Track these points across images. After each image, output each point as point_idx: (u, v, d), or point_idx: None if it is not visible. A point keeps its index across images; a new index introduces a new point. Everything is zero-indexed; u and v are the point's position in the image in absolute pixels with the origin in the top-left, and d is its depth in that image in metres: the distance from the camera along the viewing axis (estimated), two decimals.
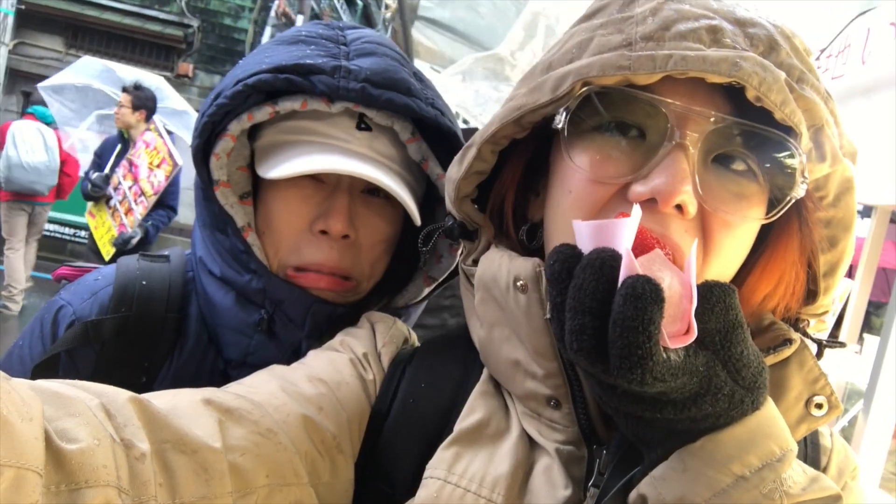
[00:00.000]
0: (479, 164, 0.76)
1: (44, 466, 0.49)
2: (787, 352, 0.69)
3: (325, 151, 0.95)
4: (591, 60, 0.65)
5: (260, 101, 0.95)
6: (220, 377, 1.02)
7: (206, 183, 0.98)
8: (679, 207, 0.63)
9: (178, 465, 0.61)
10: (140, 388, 0.94)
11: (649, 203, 0.63)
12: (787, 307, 0.74)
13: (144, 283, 1.03)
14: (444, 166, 0.99)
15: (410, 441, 0.77)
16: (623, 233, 0.56)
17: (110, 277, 1.03)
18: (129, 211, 5.01)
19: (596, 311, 0.53)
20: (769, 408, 0.60)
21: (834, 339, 0.76)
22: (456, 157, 0.80)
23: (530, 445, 0.73)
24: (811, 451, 0.77)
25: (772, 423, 0.59)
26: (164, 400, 0.66)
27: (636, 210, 0.57)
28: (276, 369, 0.80)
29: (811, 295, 0.75)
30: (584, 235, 0.60)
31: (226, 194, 0.99)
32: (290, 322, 0.98)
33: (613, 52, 0.65)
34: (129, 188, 5.00)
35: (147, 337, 1.00)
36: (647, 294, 0.51)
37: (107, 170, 5.27)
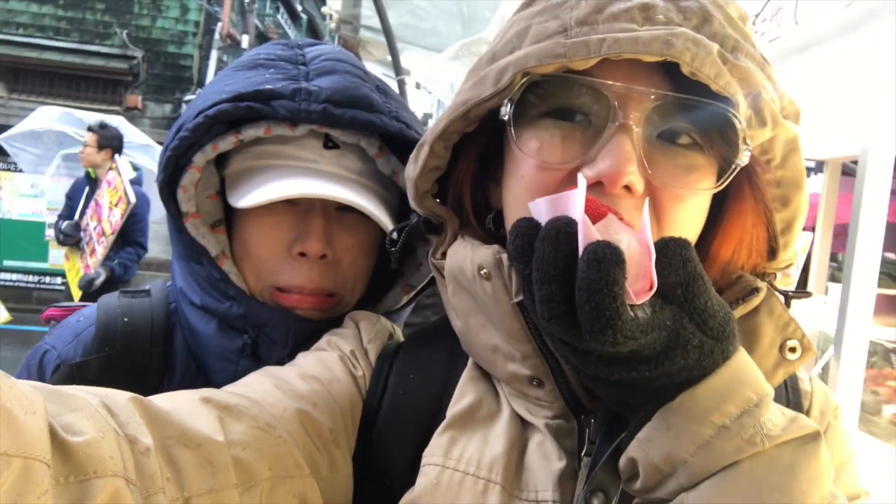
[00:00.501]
0: (434, 161, 0.78)
1: (51, 458, 0.49)
2: (755, 300, 0.71)
3: (295, 175, 0.95)
4: (529, 51, 0.67)
5: (223, 131, 0.95)
6: None
7: (174, 216, 0.97)
8: (627, 188, 0.65)
9: (184, 459, 0.61)
10: None
11: (598, 185, 0.65)
12: (752, 265, 0.76)
13: (126, 319, 1.03)
14: None
15: (404, 432, 0.78)
16: (574, 202, 0.58)
17: (91, 318, 1.03)
18: (93, 251, 4.95)
19: (560, 278, 0.55)
20: (741, 356, 0.61)
21: (800, 290, 0.78)
22: (411, 156, 0.80)
23: (522, 424, 0.74)
24: (793, 397, 0.79)
25: (745, 370, 0.61)
26: (163, 400, 0.67)
27: (581, 179, 0.59)
28: (268, 370, 0.81)
29: (772, 252, 0.77)
30: (541, 211, 0.61)
31: (196, 225, 0.98)
32: (273, 344, 0.98)
33: (550, 41, 0.66)
34: (94, 228, 4.94)
35: (133, 373, 1.00)
36: (608, 257, 0.53)
37: (77, 215, 5.22)
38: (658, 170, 0.66)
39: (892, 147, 1.93)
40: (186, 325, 1.02)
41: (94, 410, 0.57)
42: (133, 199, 4.59)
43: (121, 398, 0.62)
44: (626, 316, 0.53)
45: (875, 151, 1.93)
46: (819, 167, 3.96)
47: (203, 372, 1.02)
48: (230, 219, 1.03)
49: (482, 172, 0.81)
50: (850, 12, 1.80)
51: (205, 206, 1.00)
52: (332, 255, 0.97)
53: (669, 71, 0.65)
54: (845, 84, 1.95)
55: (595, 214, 0.59)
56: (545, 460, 0.70)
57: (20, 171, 8.92)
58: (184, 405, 0.67)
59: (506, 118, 0.69)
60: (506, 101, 0.69)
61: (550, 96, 0.69)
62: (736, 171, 0.68)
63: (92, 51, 11.81)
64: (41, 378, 1.00)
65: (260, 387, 0.75)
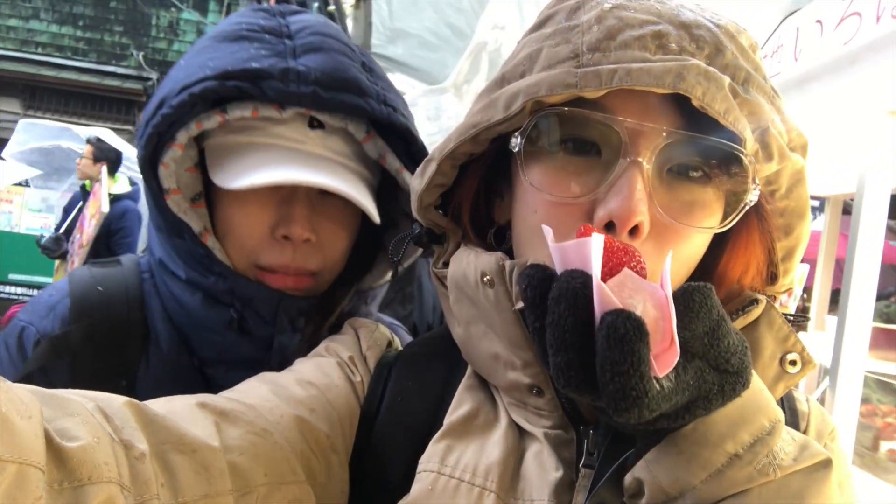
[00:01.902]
0: (440, 178, 0.78)
1: (46, 464, 0.49)
2: (755, 312, 0.71)
3: (281, 157, 0.94)
4: (540, 78, 0.66)
5: (207, 108, 0.93)
6: (198, 375, 1.02)
7: (155, 192, 0.96)
8: (635, 228, 0.64)
9: (179, 465, 0.61)
10: (122, 392, 0.94)
11: (608, 226, 0.65)
12: (752, 285, 0.76)
13: (101, 288, 1.02)
14: (402, 160, 1.01)
15: (401, 439, 0.78)
16: (590, 257, 0.54)
17: (64, 290, 1.02)
18: (72, 263, 4.77)
19: (578, 345, 0.53)
20: (755, 381, 0.60)
21: (800, 314, 0.78)
22: (417, 170, 0.81)
23: (519, 433, 0.74)
24: (790, 418, 0.78)
25: (759, 395, 0.60)
26: (158, 405, 0.66)
27: (597, 238, 0.55)
28: (265, 376, 0.81)
29: (773, 276, 0.77)
30: (554, 257, 0.59)
31: (177, 202, 0.97)
32: (259, 319, 0.98)
33: (561, 67, 0.66)
34: (77, 240, 4.77)
35: (115, 341, 0.99)
36: (629, 333, 0.50)
37: (62, 229, 5.20)
38: (666, 206, 0.66)
39: (890, 182, 1.96)
40: (170, 297, 1.02)
41: (90, 415, 0.57)
42: (105, 209, 4.29)
43: (116, 403, 0.62)
44: (652, 392, 0.51)
45: (872, 186, 1.95)
46: (822, 206, 3.98)
47: (186, 342, 1.02)
48: (209, 192, 1.01)
49: (486, 190, 0.82)
50: (848, 48, 1.84)
51: (183, 179, 0.99)
52: (315, 239, 0.97)
53: (680, 100, 0.64)
54: (844, 120, 1.98)
55: (609, 262, 0.57)
56: (542, 470, 0.69)
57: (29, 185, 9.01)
58: (180, 410, 0.67)
59: (516, 150, 0.69)
60: (516, 133, 0.69)
61: (561, 129, 0.69)
62: (745, 209, 0.68)
63: (108, 71, 12.02)
64: (22, 355, 0.99)
65: (257, 392, 0.76)
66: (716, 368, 0.57)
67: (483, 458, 0.71)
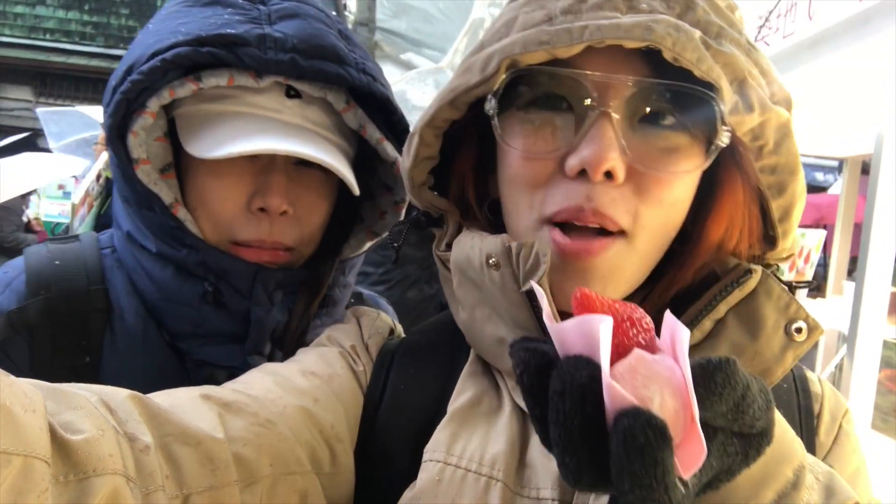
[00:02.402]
0: (425, 150, 0.78)
1: (51, 456, 0.49)
2: (751, 283, 0.71)
3: (257, 127, 0.91)
4: (515, 38, 0.68)
5: (179, 75, 0.89)
6: (168, 349, 0.99)
7: (124, 162, 0.91)
8: (609, 174, 0.65)
9: (183, 457, 0.61)
10: (86, 368, 0.95)
11: (582, 174, 0.66)
12: (751, 254, 0.75)
13: (58, 262, 0.99)
14: (382, 130, 0.99)
15: (405, 426, 0.77)
16: (597, 343, 0.47)
17: (20, 267, 0.99)
18: None
19: (588, 446, 0.46)
20: (778, 423, 0.55)
21: (801, 281, 0.78)
22: (404, 147, 0.81)
23: (524, 420, 0.73)
24: (803, 399, 0.77)
25: (783, 443, 0.57)
26: (161, 398, 0.66)
27: (605, 323, 0.48)
28: (267, 367, 0.81)
29: (773, 241, 0.76)
30: (553, 338, 0.52)
31: (147, 172, 0.92)
32: (236, 292, 0.96)
33: (535, 29, 0.67)
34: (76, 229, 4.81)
35: (75, 315, 0.96)
36: (651, 442, 0.43)
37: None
38: (639, 154, 0.67)
39: None
40: (139, 270, 0.98)
41: (93, 408, 0.57)
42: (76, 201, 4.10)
43: (119, 396, 0.62)
44: (676, 498, 0.45)
45: (890, 147, 1.90)
46: (840, 166, 3.90)
47: (155, 315, 0.99)
48: (179, 162, 0.97)
49: (482, 165, 0.81)
50: (864, 6, 1.78)
51: (152, 148, 0.94)
52: (292, 211, 0.95)
53: (654, 59, 0.65)
54: (860, 79, 1.93)
55: (616, 337, 0.51)
56: (546, 458, 0.69)
57: None
58: (183, 402, 0.67)
59: (490, 112, 0.71)
60: (490, 97, 0.70)
61: (533, 89, 0.70)
62: (716, 151, 0.68)
63: (117, 55, 11.95)
64: None
65: (260, 384, 0.75)
66: (739, 435, 0.52)
67: (489, 447, 0.70)
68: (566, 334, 0.50)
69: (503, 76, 0.69)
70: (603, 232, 0.68)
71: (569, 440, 0.46)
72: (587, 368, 0.47)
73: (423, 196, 0.82)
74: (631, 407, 0.44)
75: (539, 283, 0.65)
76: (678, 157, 0.68)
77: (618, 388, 0.45)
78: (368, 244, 1.09)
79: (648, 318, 0.52)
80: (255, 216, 0.94)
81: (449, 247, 0.79)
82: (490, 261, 0.70)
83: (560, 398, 0.47)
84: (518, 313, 0.70)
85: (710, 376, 0.49)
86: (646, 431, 0.43)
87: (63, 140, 7.81)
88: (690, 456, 0.46)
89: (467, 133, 0.79)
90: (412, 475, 0.72)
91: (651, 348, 0.51)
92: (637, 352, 0.50)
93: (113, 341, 0.97)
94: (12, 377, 0.50)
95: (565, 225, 0.69)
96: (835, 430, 0.76)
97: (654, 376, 0.48)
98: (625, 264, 0.70)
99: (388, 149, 0.99)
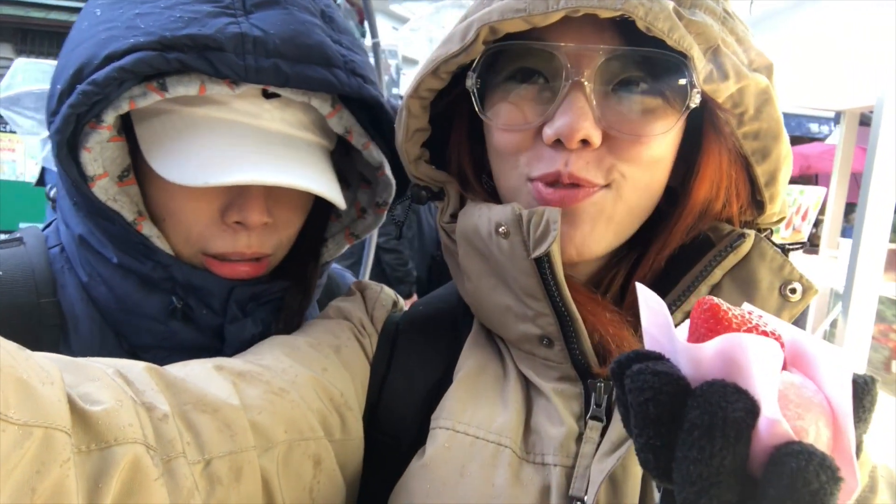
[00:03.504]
0: (414, 122, 0.79)
1: (71, 427, 0.50)
2: (744, 247, 0.72)
3: (236, 140, 0.80)
4: (493, 7, 0.69)
5: (138, 80, 0.75)
6: (133, 359, 0.86)
7: (76, 180, 0.79)
8: (585, 141, 0.67)
9: (202, 424, 0.62)
10: None
11: (557, 143, 0.68)
12: (742, 217, 0.77)
13: (1, 273, 0.86)
14: (369, 133, 0.90)
15: (411, 395, 0.79)
16: (751, 370, 0.41)
17: None
18: None
19: (735, 488, 0.41)
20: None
21: (794, 242, 0.79)
22: (396, 123, 0.82)
23: (528, 387, 0.75)
24: None
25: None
26: (176, 369, 0.67)
27: (773, 349, 0.42)
28: (276, 339, 0.81)
29: (762, 206, 0.78)
30: (683, 357, 0.46)
31: (105, 188, 0.80)
32: (208, 309, 0.86)
33: None
34: None
35: (24, 330, 0.84)
36: (825, 486, 0.38)
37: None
38: (613, 120, 0.69)
39: None
40: (94, 276, 0.86)
41: (111, 380, 0.57)
42: None
43: (136, 367, 0.62)
44: None
45: (891, 100, 1.86)
46: (838, 118, 3.85)
47: (114, 327, 0.88)
48: (137, 162, 0.84)
49: (476, 136, 0.82)
50: None
51: (107, 153, 0.81)
52: (271, 221, 0.85)
53: (628, 29, 0.66)
54: (860, 30, 1.88)
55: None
56: (551, 424, 0.71)
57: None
58: (198, 373, 0.67)
59: (470, 87, 0.73)
60: (469, 73, 0.72)
61: (509, 62, 0.73)
62: (686, 112, 0.69)
63: None
64: None
65: (270, 354, 0.76)
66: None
67: (496, 415, 0.72)
68: (703, 355, 0.43)
69: (481, 46, 0.70)
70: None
71: (713, 482, 0.40)
72: (742, 401, 0.40)
73: (421, 169, 0.83)
74: (795, 444, 0.39)
75: (549, 250, 0.67)
76: (651, 120, 0.70)
77: (784, 426, 0.39)
78: (347, 245, 1.01)
79: (777, 327, 0.46)
80: (231, 228, 0.84)
81: (453, 218, 0.80)
82: (500, 229, 0.71)
83: (706, 435, 0.40)
84: (526, 281, 0.71)
85: (860, 401, 0.44)
86: (819, 475, 0.38)
87: (8, 92, 7.29)
88: (845, 493, 0.40)
89: (458, 105, 0.81)
90: (419, 442, 0.74)
91: (784, 364, 0.45)
92: (786, 375, 0.43)
93: (70, 355, 0.86)
94: (28, 350, 0.51)
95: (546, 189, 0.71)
96: None
97: (807, 404, 0.42)
98: (611, 210, 0.72)
99: (375, 153, 0.91)
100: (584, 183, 0.69)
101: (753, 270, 0.72)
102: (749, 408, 0.40)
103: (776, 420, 0.39)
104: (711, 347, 0.43)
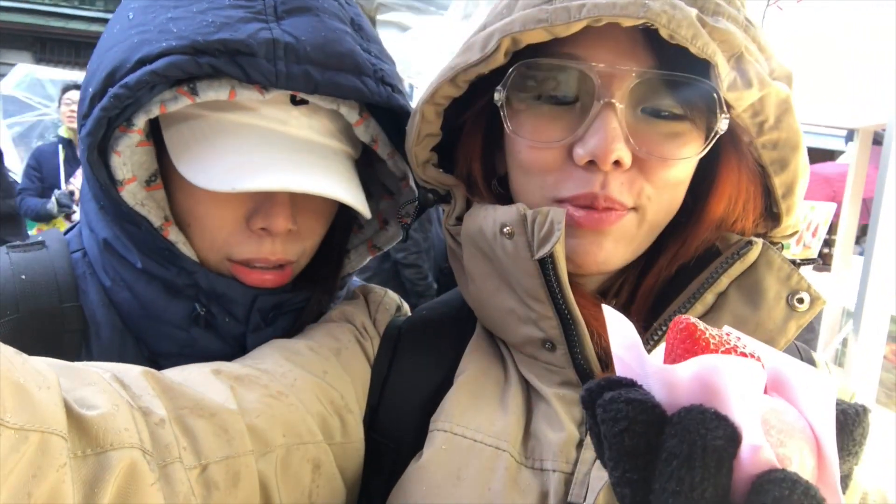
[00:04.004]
0: (427, 127, 0.79)
1: (67, 432, 0.50)
2: (751, 255, 0.72)
3: (264, 147, 0.80)
4: (514, 17, 0.69)
5: (170, 85, 0.77)
6: (153, 367, 0.84)
7: (105, 184, 0.80)
8: (616, 162, 0.67)
9: (199, 428, 0.62)
10: None
11: (590, 164, 0.68)
12: (755, 230, 0.77)
13: (24, 277, 0.86)
14: (394, 143, 0.90)
15: (412, 398, 0.79)
16: (729, 397, 0.39)
17: None
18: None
19: None
20: None
21: (805, 259, 0.79)
22: (407, 126, 0.82)
23: (529, 392, 0.75)
24: None
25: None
26: (174, 373, 0.67)
27: (755, 370, 0.40)
28: (276, 343, 0.82)
29: (777, 218, 0.78)
30: (655, 379, 0.44)
31: (133, 192, 0.81)
32: (231, 317, 0.87)
33: (534, 8, 0.68)
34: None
35: (48, 336, 0.84)
36: None
37: (71, 184, 4.71)
38: (643, 142, 0.69)
39: None
40: (117, 281, 0.87)
41: (107, 384, 0.57)
42: None
43: (133, 372, 0.62)
44: None
45: None
46: (850, 135, 3.83)
47: (135, 332, 0.88)
48: (163, 167, 0.85)
49: (489, 143, 0.83)
50: None
51: (135, 156, 0.81)
52: (296, 228, 0.86)
53: (652, 38, 0.66)
54: (874, 46, 1.87)
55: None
56: (551, 429, 0.70)
57: None
58: (196, 377, 0.67)
59: (499, 102, 0.73)
60: (499, 87, 0.73)
61: (539, 79, 0.72)
62: (714, 138, 0.69)
63: None
64: None
65: (269, 358, 0.76)
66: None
67: (496, 419, 0.72)
68: (677, 378, 0.41)
69: (502, 57, 0.70)
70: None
71: None
72: (723, 427, 0.38)
73: (428, 173, 0.83)
74: (778, 471, 0.37)
75: (553, 250, 0.67)
76: (679, 143, 0.70)
77: (767, 452, 0.37)
78: (369, 257, 1.01)
79: (757, 349, 0.44)
80: (256, 234, 0.84)
81: (459, 221, 0.80)
82: (504, 230, 0.71)
83: (685, 465, 0.38)
84: (529, 282, 0.72)
85: (849, 433, 0.42)
86: None
87: None
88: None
89: (473, 113, 0.81)
90: (419, 445, 0.74)
91: (763, 388, 0.43)
92: (767, 400, 0.41)
93: (89, 361, 0.86)
94: (25, 355, 0.51)
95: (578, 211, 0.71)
96: None
97: (790, 430, 0.40)
98: (635, 232, 0.73)
99: (399, 164, 0.91)
100: (617, 206, 0.70)
101: (760, 279, 0.72)
102: (730, 435, 0.38)
103: (759, 446, 0.37)
104: (687, 370, 0.40)
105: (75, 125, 4.86)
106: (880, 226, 1.86)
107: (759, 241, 0.73)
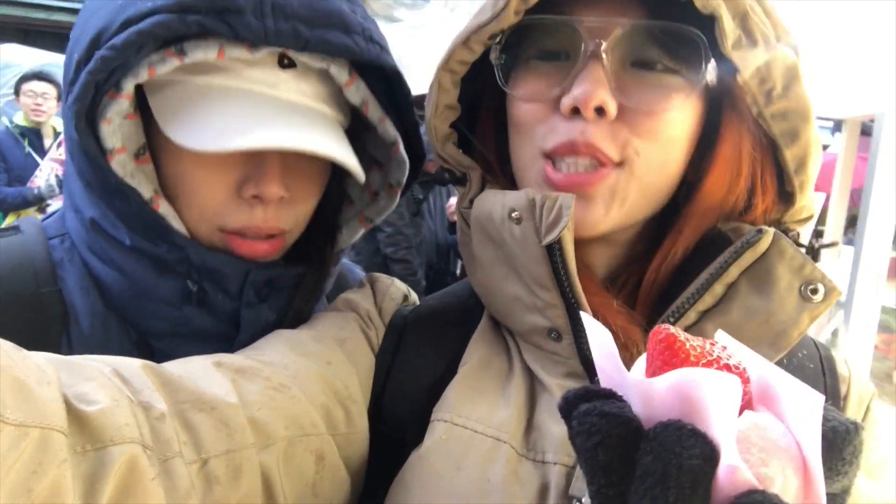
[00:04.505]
0: (444, 97, 0.79)
1: (67, 427, 0.49)
2: (762, 243, 0.69)
3: (253, 109, 0.79)
4: None
5: (157, 46, 0.74)
6: (136, 351, 0.86)
7: (94, 153, 0.77)
8: (601, 111, 0.68)
9: (199, 422, 0.61)
10: None
11: (575, 112, 0.69)
12: (767, 216, 0.75)
13: None
14: (383, 105, 0.89)
15: (416, 389, 0.78)
16: (708, 413, 0.37)
17: None
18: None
19: None
20: None
21: (826, 243, 0.76)
22: (426, 99, 0.81)
23: (534, 383, 0.74)
24: (829, 380, 0.77)
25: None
26: (175, 366, 0.66)
27: (732, 384, 0.38)
28: (281, 333, 0.81)
29: (789, 198, 0.75)
30: (632, 392, 0.42)
31: (123, 163, 0.78)
32: (224, 293, 0.85)
33: None
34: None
35: (25, 322, 0.81)
36: None
37: (51, 177, 4.50)
38: (630, 92, 0.69)
39: None
40: (106, 262, 0.85)
41: (107, 379, 0.57)
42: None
43: (133, 366, 0.62)
44: None
45: (891, 109, 1.86)
46: (837, 125, 3.84)
47: (123, 313, 0.86)
48: (151, 140, 0.83)
49: (503, 126, 0.82)
50: None
51: (124, 128, 0.79)
52: (288, 195, 0.84)
53: (659, 4, 0.68)
54: (862, 35, 1.88)
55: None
56: (554, 421, 0.69)
57: None
58: (196, 370, 0.67)
59: (494, 61, 0.74)
60: (495, 46, 0.74)
61: (534, 38, 0.74)
62: (700, 83, 0.69)
63: None
64: None
65: (272, 349, 0.76)
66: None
67: (497, 410, 0.71)
68: (655, 391, 0.39)
69: (513, 16, 0.71)
70: (596, 166, 0.71)
71: None
72: (699, 445, 0.37)
73: (447, 150, 0.83)
74: (757, 493, 0.35)
75: (560, 236, 0.67)
76: (668, 94, 0.70)
77: (745, 473, 0.36)
78: (362, 231, 1.00)
79: (744, 360, 0.42)
80: (248, 202, 0.82)
81: (472, 203, 0.79)
82: (513, 214, 0.71)
83: (660, 485, 0.37)
84: (536, 269, 0.70)
85: (838, 452, 0.40)
86: None
87: None
88: None
89: (487, 101, 0.82)
90: (422, 435, 0.73)
91: (749, 402, 0.41)
92: (749, 416, 0.39)
93: (70, 351, 0.83)
94: (24, 350, 0.51)
95: (559, 160, 0.72)
96: (862, 412, 0.76)
97: (773, 448, 0.38)
98: (625, 190, 0.71)
99: (389, 129, 0.90)
100: (599, 154, 0.69)
101: (771, 268, 0.69)
102: (707, 454, 0.37)
103: (735, 467, 0.35)
104: (664, 383, 0.39)
105: (41, 118, 4.77)
106: (870, 216, 1.87)
107: (771, 229, 0.70)
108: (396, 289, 0.92)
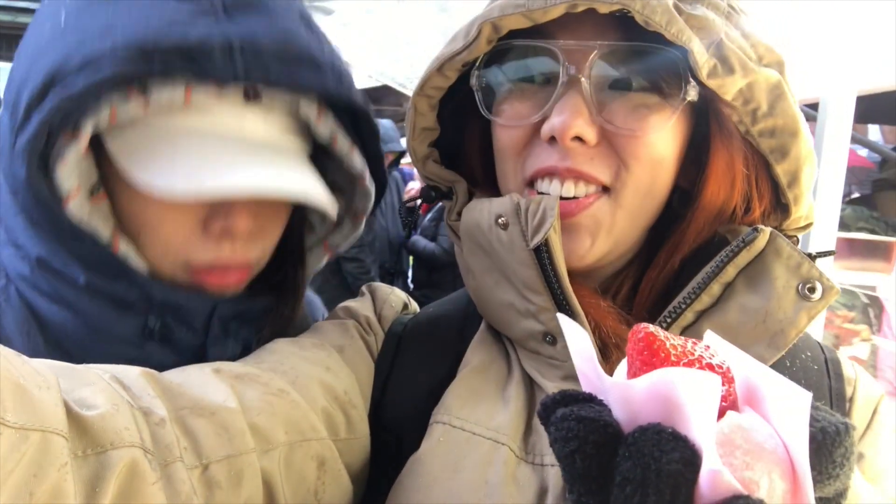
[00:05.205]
0: (422, 120, 0.80)
1: (68, 432, 0.49)
2: (758, 242, 0.69)
3: (219, 151, 0.75)
4: (495, 4, 0.71)
5: (119, 86, 0.69)
6: None
7: (46, 198, 0.71)
8: (580, 139, 0.68)
9: (199, 428, 0.61)
10: None
11: (553, 140, 0.69)
12: (764, 222, 0.75)
13: None
14: (353, 139, 0.86)
15: (415, 392, 0.78)
16: (688, 415, 0.36)
17: None
18: None
19: None
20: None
21: (824, 251, 0.76)
22: (405, 122, 0.83)
23: (533, 387, 0.74)
24: (834, 382, 0.76)
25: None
26: (174, 374, 0.66)
27: (712, 383, 0.36)
28: (279, 342, 0.81)
29: (786, 209, 0.76)
30: (612, 395, 0.41)
31: (80, 205, 0.73)
32: (189, 329, 0.80)
33: None
34: None
35: None
36: None
37: None
38: (611, 115, 0.69)
39: (854, 92, 1.90)
40: (56, 301, 0.79)
41: (107, 384, 0.57)
42: None
43: (132, 372, 0.62)
44: None
45: (836, 95, 1.89)
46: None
47: (73, 355, 0.74)
48: (105, 176, 0.77)
49: (487, 139, 0.83)
50: None
51: (80, 167, 0.74)
52: (255, 227, 0.80)
53: (630, 25, 0.67)
54: (805, 21, 1.90)
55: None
56: None
57: None
58: (195, 377, 0.67)
59: (474, 86, 0.75)
60: (473, 71, 0.75)
61: (512, 62, 0.75)
62: (681, 104, 0.69)
63: None
64: None
65: (271, 357, 0.76)
66: (820, 499, 0.43)
67: (496, 413, 0.71)
68: (633, 394, 0.38)
69: (485, 44, 0.72)
70: (583, 192, 0.71)
71: None
72: (678, 450, 0.36)
73: (429, 168, 0.84)
74: (741, 499, 0.34)
75: (547, 237, 0.68)
76: (648, 115, 0.70)
77: (727, 477, 0.34)
78: (326, 258, 0.96)
79: (728, 359, 0.41)
80: (214, 237, 0.78)
81: (459, 217, 0.80)
82: (499, 220, 0.72)
83: (640, 491, 0.36)
84: (526, 273, 0.71)
85: (828, 453, 0.38)
86: None
87: None
88: None
89: (473, 115, 0.81)
90: (421, 439, 0.73)
91: (733, 403, 0.40)
92: (732, 417, 0.38)
93: None
94: (24, 357, 0.51)
95: (538, 182, 0.73)
96: (869, 414, 0.75)
97: (758, 451, 0.36)
98: (611, 219, 0.72)
99: (357, 161, 0.86)
100: (585, 177, 0.69)
101: (768, 268, 0.69)
102: (688, 458, 0.35)
103: (717, 471, 0.34)
104: (643, 385, 0.37)
105: None
106: (817, 202, 1.90)
107: (767, 229, 0.70)
108: (396, 297, 0.92)
